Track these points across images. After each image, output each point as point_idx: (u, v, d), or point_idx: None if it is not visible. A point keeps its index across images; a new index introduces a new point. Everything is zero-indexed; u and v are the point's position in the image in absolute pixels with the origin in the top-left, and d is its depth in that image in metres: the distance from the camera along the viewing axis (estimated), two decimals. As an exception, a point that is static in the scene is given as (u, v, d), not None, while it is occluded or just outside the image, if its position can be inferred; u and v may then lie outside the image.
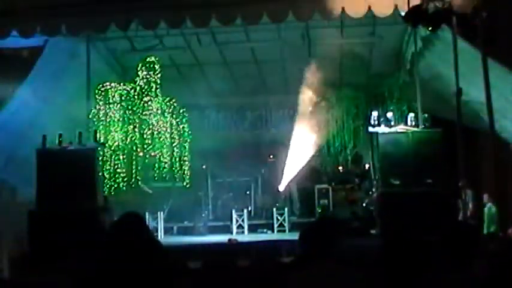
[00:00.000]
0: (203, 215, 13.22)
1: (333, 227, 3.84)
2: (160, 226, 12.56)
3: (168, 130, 13.21)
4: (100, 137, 10.28)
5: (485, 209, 11.06)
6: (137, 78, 12.82)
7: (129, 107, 12.73)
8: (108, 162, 12.30)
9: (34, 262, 8.73)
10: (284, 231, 12.78)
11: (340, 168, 13.79)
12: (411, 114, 10.33)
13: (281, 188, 13.75)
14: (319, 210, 12.99)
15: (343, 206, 13.17)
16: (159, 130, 13.01)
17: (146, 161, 13.05)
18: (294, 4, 8.55)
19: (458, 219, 8.93)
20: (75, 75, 11.37)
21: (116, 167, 12.44)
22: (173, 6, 8.71)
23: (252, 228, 13.05)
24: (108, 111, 12.44)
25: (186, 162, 13.59)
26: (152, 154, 12.97)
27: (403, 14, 8.06)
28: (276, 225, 12.90)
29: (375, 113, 10.42)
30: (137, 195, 13.05)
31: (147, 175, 13.26)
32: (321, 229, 3.73)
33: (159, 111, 12.98)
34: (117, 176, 12.41)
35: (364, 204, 12.78)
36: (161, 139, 13.05)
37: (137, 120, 12.81)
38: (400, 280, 3.22)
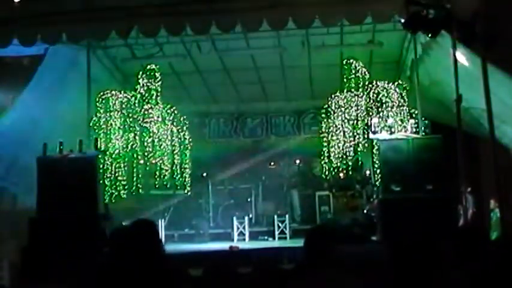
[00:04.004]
0: (198, 220, 13.21)
1: (334, 233, 3.84)
2: (161, 234, 12.53)
3: (169, 138, 13.21)
4: (101, 145, 10.28)
5: (492, 215, 11.04)
6: (138, 86, 12.84)
7: (130, 115, 12.73)
8: (109, 170, 12.28)
9: (35, 270, 8.71)
10: (285, 238, 12.76)
11: (341, 175, 13.77)
12: (411, 121, 10.33)
13: None
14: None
15: (344, 212, 13.14)
16: (159, 138, 13.01)
17: (147, 168, 13.05)
18: (293, 11, 8.57)
19: (467, 223, 8.91)
20: (75, 83, 11.39)
21: (116, 174, 12.43)
22: (173, 14, 8.74)
23: (253, 236, 13.04)
24: (108, 119, 12.44)
25: (187, 170, 13.60)
26: (153, 162, 12.97)
27: (402, 20, 8.07)
28: (277, 233, 12.89)
29: (375, 120, 10.42)
30: (138, 203, 13.05)
31: (148, 183, 13.27)
32: (321, 236, 3.73)
33: (160, 119, 12.99)
34: (117, 183, 12.40)
35: (365, 211, 12.75)
36: (162, 147, 13.05)
37: (138, 128, 12.81)
38: (408, 283, 3.21)
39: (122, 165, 12.52)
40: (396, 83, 12.40)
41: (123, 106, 12.65)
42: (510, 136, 9.21)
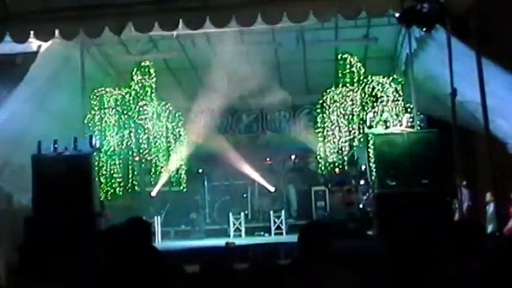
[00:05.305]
0: (194, 216, 13.24)
1: (329, 229, 3.83)
2: (158, 230, 12.52)
3: (164, 134, 13.19)
4: (96, 142, 10.22)
5: (488, 207, 11.08)
6: (132, 83, 12.81)
7: (125, 112, 12.70)
8: (104, 167, 12.26)
9: (31, 269, 8.69)
10: (281, 233, 12.77)
11: (337, 170, 13.79)
12: (406, 115, 10.34)
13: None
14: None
15: (339, 207, 13.17)
16: (154, 134, 12.99)
17: (142, 165, 13.03)
18: (288, 6, 8.54)
19: (463, 217, 8.93)
20: (69, 80, 11.34)
21: (112, 172, 12.40)
22: (167, 10, 8.70)
23: (250, 231, 13.05)
24: (103, 116, 12.41)
25: (182, 166, 13.58)
26: (148, 158, 12.95)
27: (397, 15, 8.07)
28: (273, 228, 12.90)
29: (370, 114, 10.43)
30: (134, 200, 13.04)
31: (143, 180, 13.25)
32: (315, 232, 3.72)
33: (155, 116, 12.97)
34: (113, 181, 12.38)
35: (361, 206, 12.77)
36: (157, 143, 13.03)
37: (133, 125, 12.79)
38: (404, 278, 3.22)
39: (117, 162, 12.50)
40: (391, 78, 12.43)
41: (118, 103, 12.63)
42: (505, 130, 9.22)
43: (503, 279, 3.07)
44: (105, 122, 12.39)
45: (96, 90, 12.37)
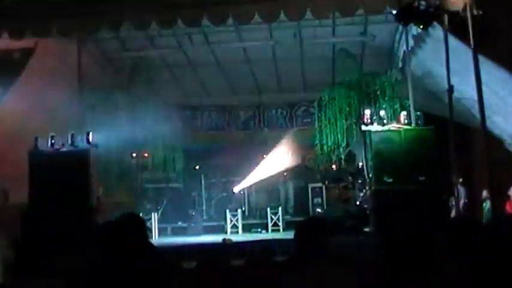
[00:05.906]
0: (193, 213, 13.26)
1: (325, 225, 3.83)
2: (155, 227, 12.53)
3: (161, 131, 13.19)
4: (93, 139, 10.21)
5: (484, 205, 11.12)
6: (129, 79, 12.79)
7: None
8: (101, 164, 12.24)
9: (27, 265, 8.67)
10: (278, 230, 12.80)
11: (334, 166, 13.81)
12: (403, 112, 10.35)
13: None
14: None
15: (336, 204, 13.19)
16: (151, 131, 12.98)
17: (139, 162, 13.03)
18: (285, 4, 8.54)
19: (459, 214, 8.96)
20: (66, 76, 11.32)
21: (108, 168, 12.40)
22: (164, 7, 8.68)
23: (246, 228, 13.07)
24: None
25: (179, 163, 13.58)
26: (145, 155, 12.95)
27: (394, 12, 8.06)
28: (270, 225, 12.92)
29: (367, 111, 10.44)
30: (130, 197, 13.04)
31: (140, 176, 13.25)
32: (311, 229, 3.73)
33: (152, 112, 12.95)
34: (110, 177, 12.37)
35: (357, 203, 12.80)
36: (154, 140, 13.03)
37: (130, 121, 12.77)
38: (401, 275, 3.23)
39: (114, 159, 12.50)
40: (388, 75, 12.43)
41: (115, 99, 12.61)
42: (501, 127, 9.25)
43: (500, 273, 3.08)
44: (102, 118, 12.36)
45: (93, 86, 12.33)
